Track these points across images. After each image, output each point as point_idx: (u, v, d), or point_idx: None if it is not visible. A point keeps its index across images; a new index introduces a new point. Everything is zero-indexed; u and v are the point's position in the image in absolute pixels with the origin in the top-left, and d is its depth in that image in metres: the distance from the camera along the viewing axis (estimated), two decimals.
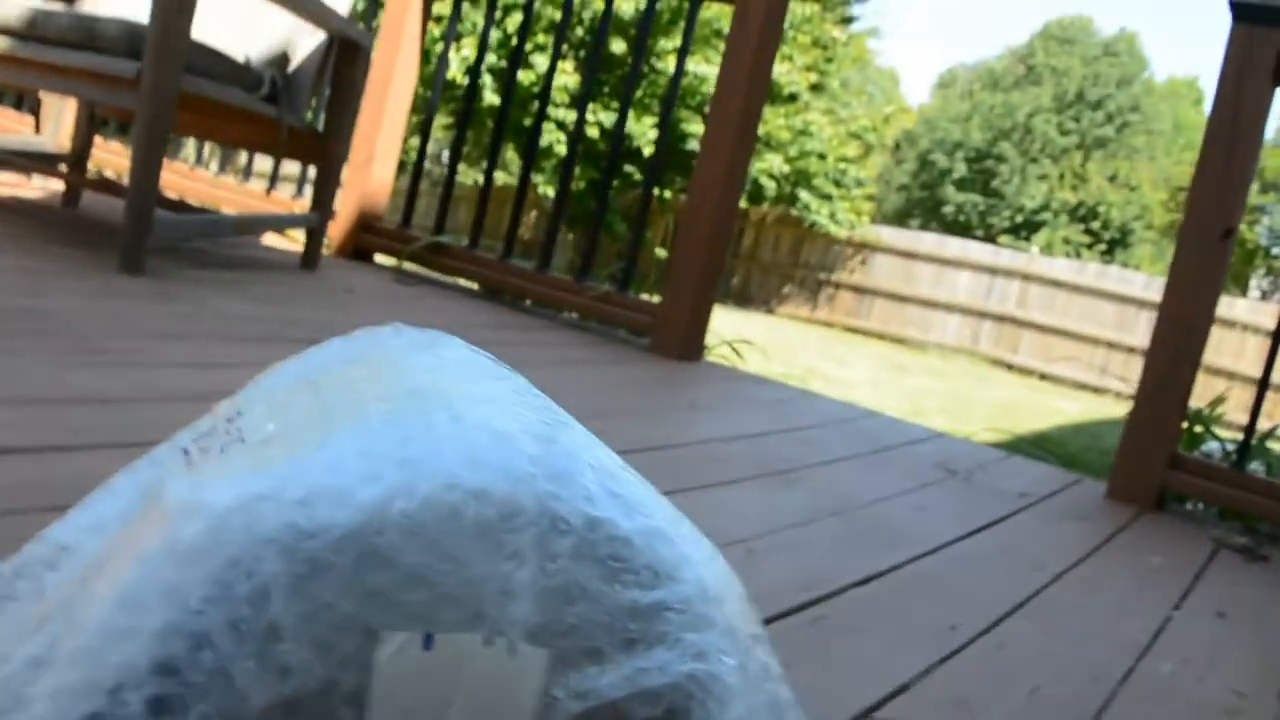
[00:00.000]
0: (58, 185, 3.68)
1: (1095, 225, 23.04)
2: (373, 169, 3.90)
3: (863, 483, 2.29)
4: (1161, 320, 2.71)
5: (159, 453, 0.63)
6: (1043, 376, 10.38)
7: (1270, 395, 2.89)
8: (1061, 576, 1.94)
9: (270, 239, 4.08)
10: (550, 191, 11.83)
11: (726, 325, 4.37)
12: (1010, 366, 10.63)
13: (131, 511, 0.59)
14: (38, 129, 4.00)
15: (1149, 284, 10.54)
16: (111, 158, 4.19)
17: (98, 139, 3.82)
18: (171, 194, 3.75)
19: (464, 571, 0.48)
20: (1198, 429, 3.26)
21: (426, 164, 6.62)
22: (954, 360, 9.69)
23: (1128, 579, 2.06)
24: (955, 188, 25.13)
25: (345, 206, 3.92)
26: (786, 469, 2.23)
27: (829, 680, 1.28)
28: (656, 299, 3.41)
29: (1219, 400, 3.57)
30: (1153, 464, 2.67)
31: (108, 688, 0.47)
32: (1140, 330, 10.75)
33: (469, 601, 0.48)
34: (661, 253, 8.92)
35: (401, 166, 4.88)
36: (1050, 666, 1.50)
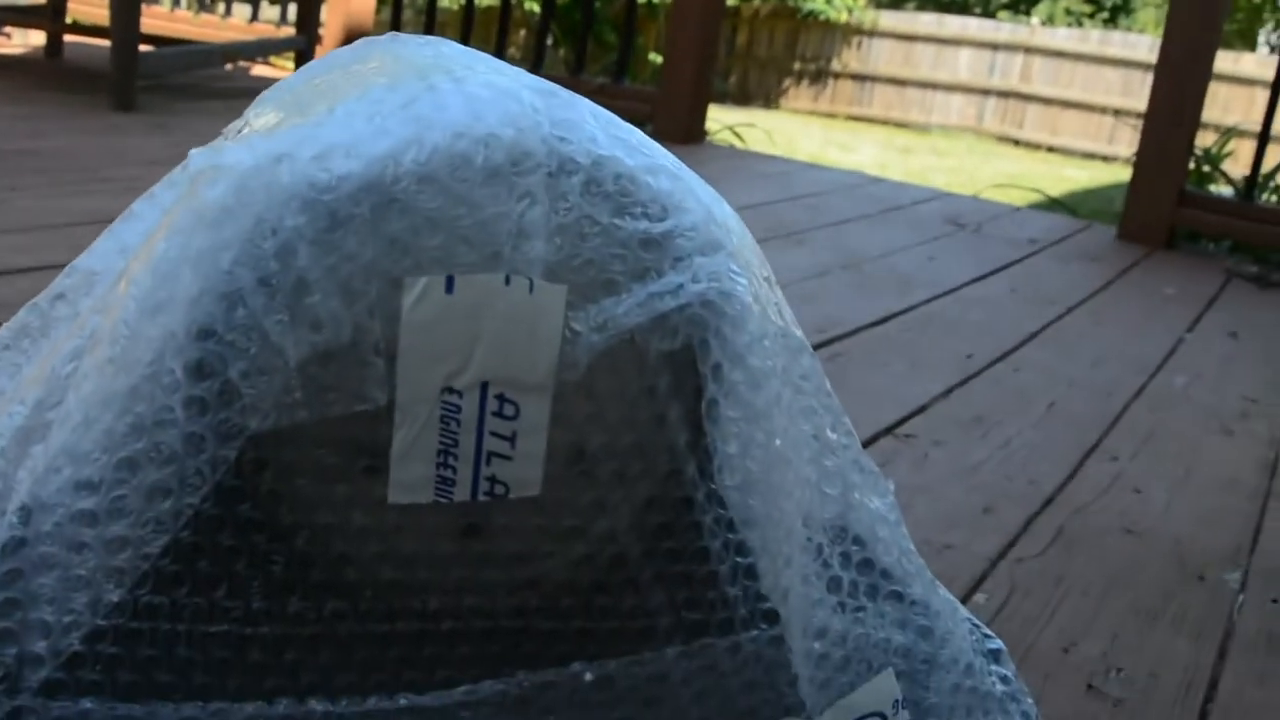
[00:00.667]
0: (38, 40, 3.63)
1: None
2: None
3: (872, 239, 2.30)
4: (1166, 48, 2.68)
5: (174, 175, 0.64)
6: (1050, 149, 10.27)
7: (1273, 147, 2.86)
8: (1074, 309, 1.97)
9: (259, 70, 4.03)
10: (536, 7, 11.59)
11: (728, 120, 4.33)
12: (1017, 142, 10.50)
13: (154, 229, 0.60)
14: None
15: (1154, 46, 10.32)
16: (88, 8, 4.12)
17: None
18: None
19: (478, 214, 0.50)
20: (1205, 168, 3.25)
21: None
22: (959, 139, 9.58)
23: (1140, 309, 2.08)
24: None
25: (330, 28, 3.87)
26: (796, 231, 2.25)
27: (848, 405, 1.31)
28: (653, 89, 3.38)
29: (1227, 135, 3.54)
30: (1162, 201, 2.67)
31: (147, 359, 0.50)
32: (1147, 94, 10.57)
33: (485, 243, 0.50)
34: (655, 58, 8.76)
35: None
36: (1065, 385, 1.53)
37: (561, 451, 0.53)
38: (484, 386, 0.51)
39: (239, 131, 0.61)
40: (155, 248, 0.50)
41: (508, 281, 0.50)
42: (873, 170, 4.95)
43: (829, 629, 0.62)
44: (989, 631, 0.77)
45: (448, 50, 0.62)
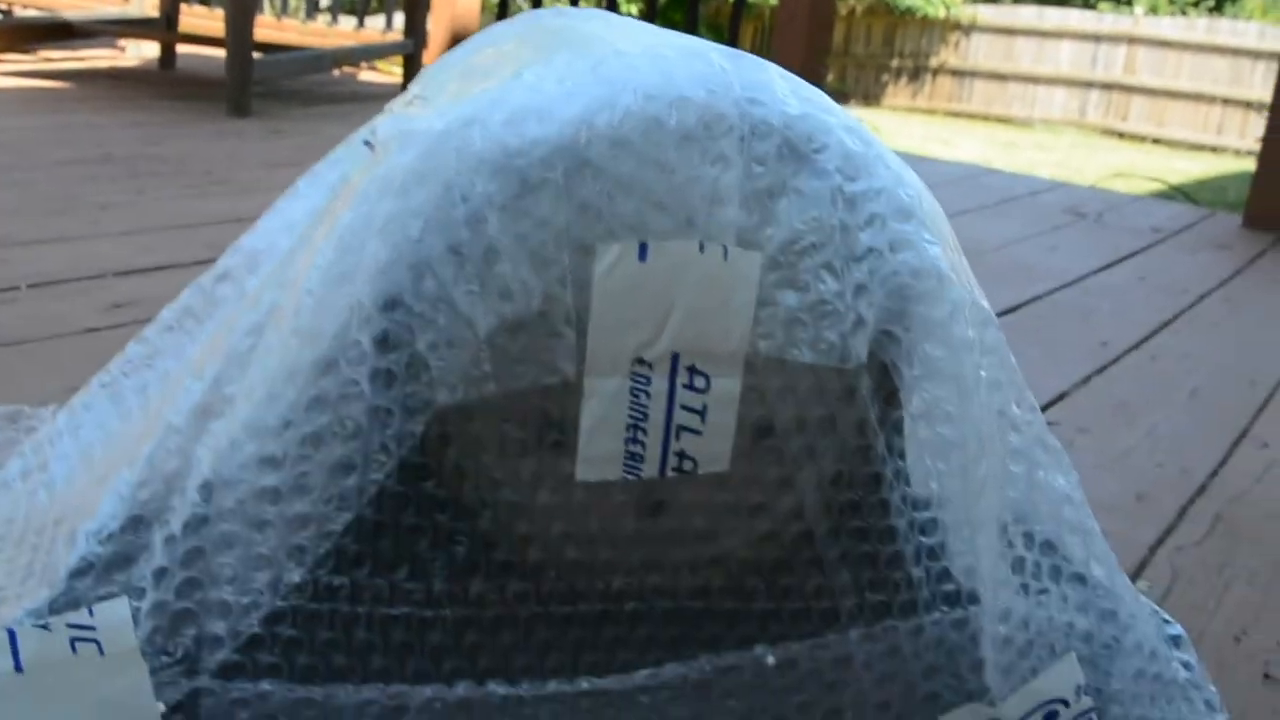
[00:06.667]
0: (152, 53, 3.69)
1: None
2: None
3: (991, 230, 2.26)
4: None
5: (336, 153, 0.64)
6: (1156, 141, 10.04)
7: None
8: (1205, 297, 1.91)
9: (366, 75, 4.07)
10: (634, 10, 11.62)
11: None
12: (1121, 135, 10.28)
13: (320, 206, 0.60)
14: None
15: (1263, 33, 10.05)
16: (198, 21, 4.19)
17: (183, 6, 3.82)
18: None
19: (671, 179, 0.48)
20: None
21: None
22: (1062, 133, 9.41)
23: (1274, 295, 2.01)
24: None
25: (436, 31, 3.89)
26: None
27: None
28: None
29: None
30: None
31: (333, 331, 0.49)
32: (1257, 83, 10.27)
33: (678, 208, 0.48)
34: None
35: None
36: (1206, 373, 1.48)
37: (750, 425, 0.52)
38: (675, 358, 0.49)
39: (406, 105, 0.61)
40: (340, 217, 0.49)
41: (702, 249, 0.48)
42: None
43: (1013, 612, 0.60)
44: (1168, 617, 0.74)
45: (618, 19, 0.60)
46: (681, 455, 0.51)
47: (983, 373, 0.54)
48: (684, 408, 0.50)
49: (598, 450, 0.50)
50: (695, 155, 0.48)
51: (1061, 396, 1.32)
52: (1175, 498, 1.07)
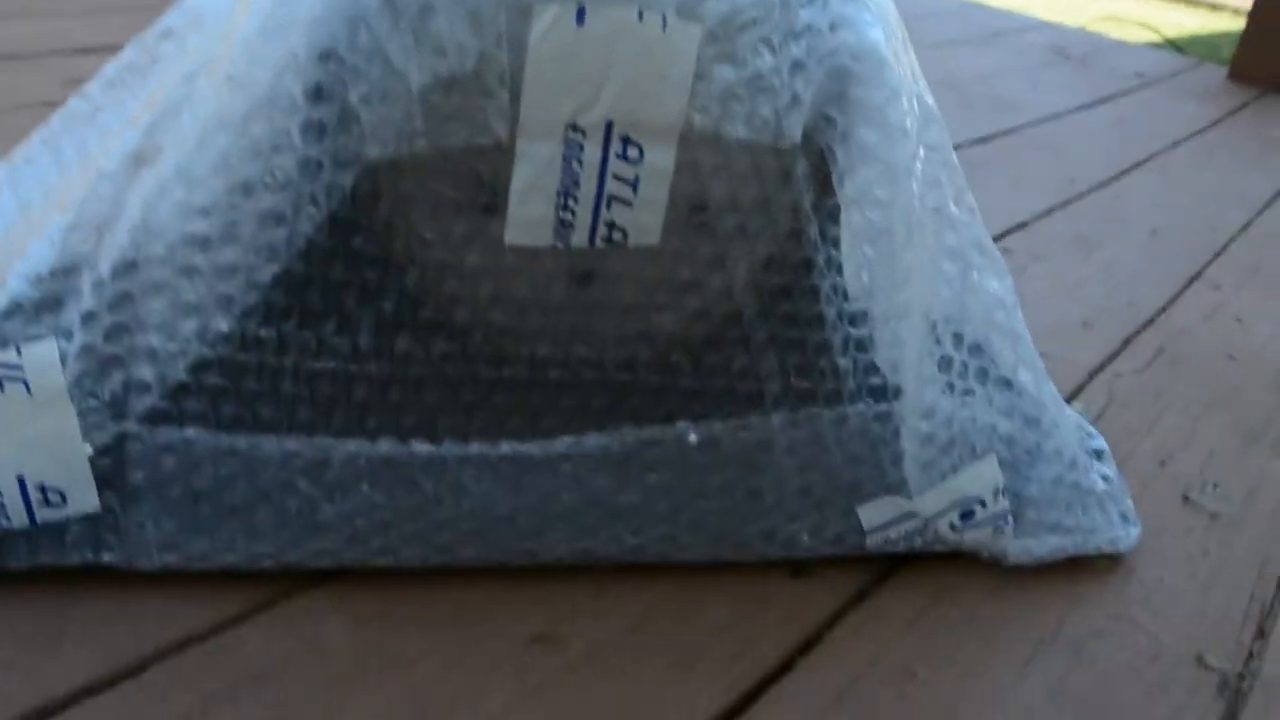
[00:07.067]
0: None
1: None
2: None
3: (974, 61, 2.23)
4: None
5: None
6: None
7: None
8: (1181, 143, 1.90)
9: None
10: None
11: None
12: None
13: None
14: None
15: None
16: None
17: None
18: None
19: None
20: None
21: None
22: None
23: (1249, 147, 2.00)
24: None
25: None
26: None
27: None
28: None
29: None
30: (1277, 41, 2.55)
31: (266, 80, 0.48)
32: None
33: None
34: None
35: None
36: (1169, 214, 1.49)
37: (683, 201, 0.52)
38: (609, 126, 0.49)
39: None
40: None
41: (641, 17, 0.48)
42: None
43: (936, 409, 0.61)
44: (1093, 430, 0.76)
45: None
46: (612, 226, 0.51)
47: (919, 164, 0.54)
48: (616, 178, 0.50)
49: (527, 214, 0.50)
50: None
51: (1022, 225, 1.32)
52: (1121, 328, 1.08)
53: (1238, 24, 2.62)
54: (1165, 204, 1.53)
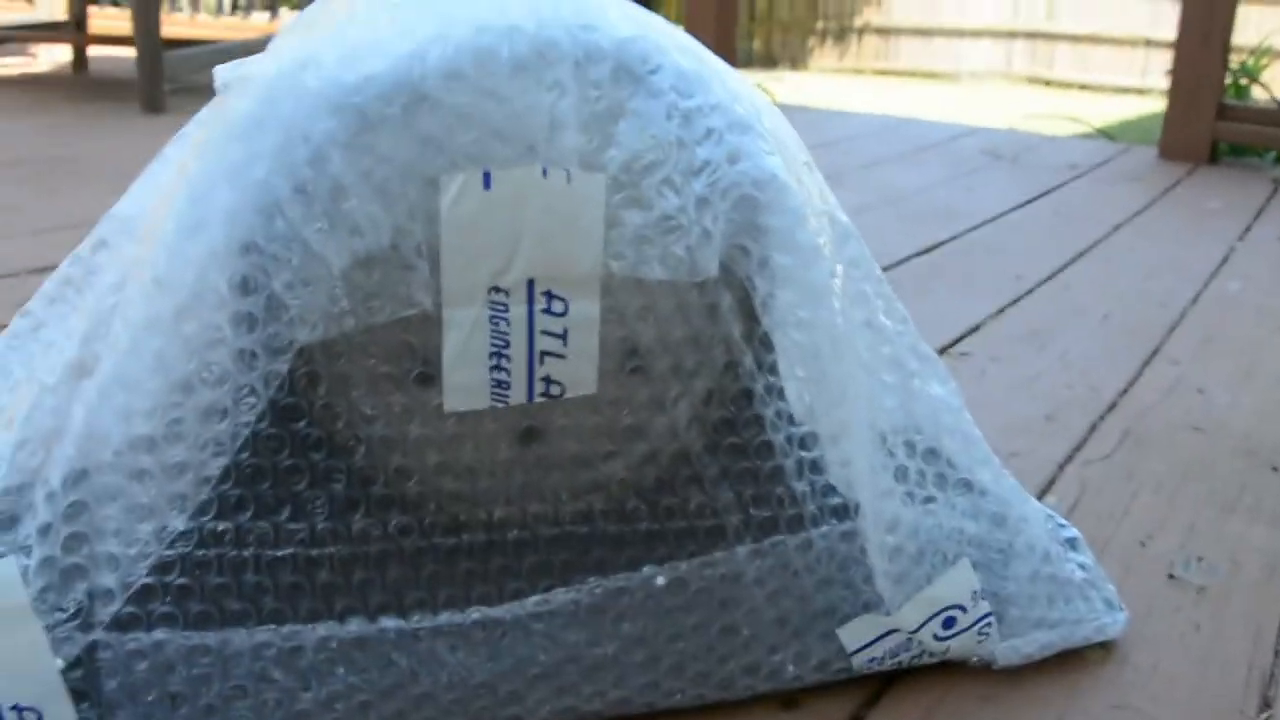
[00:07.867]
0: (64, 57, 3.65)
1: None
2: None
3: (909, 176, 2.28)
4: None
5: (201, 114, 0.64)
6: (1083, 86, 10.11)
7: None
8: (1120, 227, 1.94)
9: None
10: None
11: (754, 80, 4.30)
12: (1048, 82, 10.33)
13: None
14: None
15: None
16: (108, 22, 4.14)
17: (93, 9, 3.77)
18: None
19: (508, 107, 0.49)
20: (1243, 81, 3.19)
21: None
22: (989, 83, 9.46)
23: (1188, 222, 2.04)
24: None
25: None
26: (831, 173, 2.22)
27: None
28: None
29: (1264, 51, 3.46)
30: (1201, 116, 2.62)
31: (191, 278, 0.49)
32: (1175, 23, 10.32)
33: (519, 136, 0.49)
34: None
35: None
36: (1119, 298, 1.51)
37: (615, 348, 0.53)
38: (530, 284, 0.50)
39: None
40: (189, 167, 0.50)
41: (545, 174, 0.49)
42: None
43: (900, 521, 0.61)
44: (1063, 521, 0.76)
45: None
46: (548, 380, 0.52)
47: (837, 282, 0.55)
48: (545, 332, 0.51)
49: (463, 379, 0.51)
50: (531, 83, 0.49)
51: (975, 328, 1.33)
52: (1084, 415, 1.09)
53: (1165, 105, 2.68)
54: (1114, 287, 1.55)
